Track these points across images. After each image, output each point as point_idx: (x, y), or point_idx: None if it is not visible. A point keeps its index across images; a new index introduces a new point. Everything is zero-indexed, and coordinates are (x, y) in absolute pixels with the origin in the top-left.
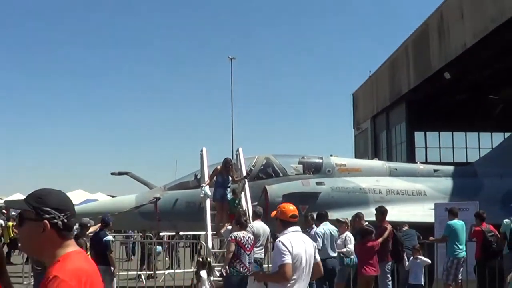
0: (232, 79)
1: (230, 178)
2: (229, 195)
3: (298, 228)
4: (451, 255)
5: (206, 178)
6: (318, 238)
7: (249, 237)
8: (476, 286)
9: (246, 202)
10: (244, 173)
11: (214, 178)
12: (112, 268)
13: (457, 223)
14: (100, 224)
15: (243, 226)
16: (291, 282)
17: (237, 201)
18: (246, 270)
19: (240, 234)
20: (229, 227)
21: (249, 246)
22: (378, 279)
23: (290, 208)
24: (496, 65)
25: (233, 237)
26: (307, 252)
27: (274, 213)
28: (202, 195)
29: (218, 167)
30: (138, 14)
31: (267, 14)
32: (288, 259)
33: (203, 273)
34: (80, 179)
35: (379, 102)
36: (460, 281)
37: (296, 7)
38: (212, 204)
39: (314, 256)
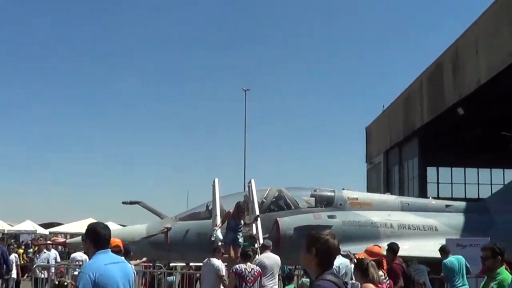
0: (245, 110)
1: (242, 222)
2: (241, 240)
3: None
4: None
5: (218, 209)
6: None
7: (252, 269)
8: None
9: (258, 234)
10: (257, 207)
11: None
12: None
13: (452, 259)
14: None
15: (246, 258)
16: None
17: (256, 245)
18: None
19: (242, 266)
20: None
21: (252, 279)
22: None
23: (116, 240)
24: (509, 101)
25: (233, 270)
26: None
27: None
28: (213, 239)
29: (231, 210)
30: (150, 47)
31: (281, 48)
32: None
33: None
34: (91, 207)
35: (392, 137)
36: None
37: (312, 44)
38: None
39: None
